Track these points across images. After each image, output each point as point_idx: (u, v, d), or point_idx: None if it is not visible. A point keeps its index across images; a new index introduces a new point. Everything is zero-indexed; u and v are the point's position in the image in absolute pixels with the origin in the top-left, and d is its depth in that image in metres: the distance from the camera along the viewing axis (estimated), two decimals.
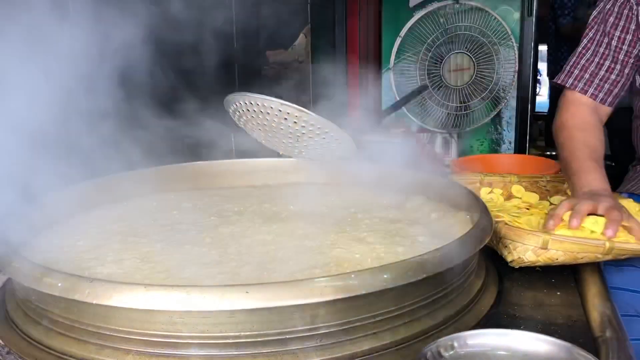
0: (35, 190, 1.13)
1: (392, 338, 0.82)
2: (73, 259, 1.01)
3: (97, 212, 1.25)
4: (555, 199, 1.31)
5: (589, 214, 1.09)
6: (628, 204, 1.23)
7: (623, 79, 1.38)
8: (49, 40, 1.11)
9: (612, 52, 1.37)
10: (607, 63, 1.38)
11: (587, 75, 1.39)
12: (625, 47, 1.36)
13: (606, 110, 1.41)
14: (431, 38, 2.57)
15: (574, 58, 1.43)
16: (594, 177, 1.23)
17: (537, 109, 4.53)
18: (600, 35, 1.39)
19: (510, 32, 2.55)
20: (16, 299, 0.93)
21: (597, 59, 1.39)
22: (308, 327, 0.77)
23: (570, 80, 1.41)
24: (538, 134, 4.99)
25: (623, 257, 1.07)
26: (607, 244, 1.03)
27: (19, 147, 1.05)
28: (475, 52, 2.55)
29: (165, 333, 0.76)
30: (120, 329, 0.77)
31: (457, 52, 2.56)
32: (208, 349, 0.76)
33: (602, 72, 1.38)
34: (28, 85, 1.06)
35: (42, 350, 0.83)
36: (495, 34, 2.54)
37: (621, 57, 1.37)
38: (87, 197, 1.26)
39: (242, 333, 0.75)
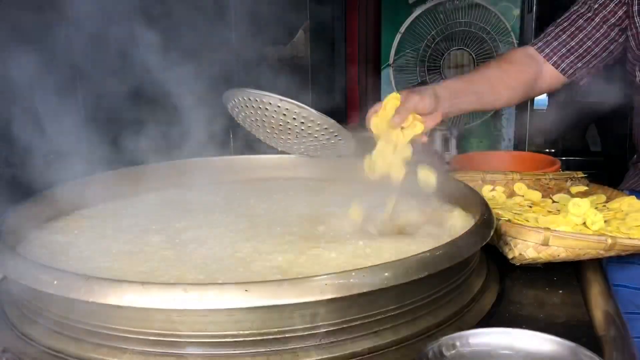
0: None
1: (393, 337, 0.81)
2: (71, 256, 1.00)
3: (96, 210, 1.24)
4: (558, 196, 1.30)
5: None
6: (630, 200, 1.22)
7: (589, 56, 1.40)
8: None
9: (589, 27, 1.39)
10: (580, 35, 1.39)
11: (555, 43, 1.41)
12: (605, 27, 1.37)
13: (560, 78, 1.43)
14: (431, 34, 2.56)
15: (557, 29, 1.43)
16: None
17: (535, 106, 4.53)
18: (586, 10, 1.41)
19: (510, 29, 2.55)
20: (12, 296, 0.92)
21: (572, 29, 1.40)
22: (308, 325, 0.75)
23: (547, 50, 1.42)
24: (537, 131, 4.98)
25: (626, 253, 1.06)
26: (609, 240, 1.02)
27: None
28: (475, 49, 2.54)
29: (162, 332, 0.75)
30: (117, 327, 0.76)
31: (456, 49, 2.55)
32: (206, 347, 0.75)
33: (572, 43, 1.40)
34: None
35: (38, 348, 0.82)
36: (495, 31, 2.53)
37: (597, 35, 1.38)
38: (86, 194, 1.25)
39: (241, 332, 0.74)
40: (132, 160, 1.37)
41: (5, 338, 0.85)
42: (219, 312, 0.73)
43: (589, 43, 1.39)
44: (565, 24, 1.42)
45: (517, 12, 2.65)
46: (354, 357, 0.78)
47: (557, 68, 1.41)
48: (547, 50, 1.42)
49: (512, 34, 2.55)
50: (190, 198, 1.34)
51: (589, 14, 1.39)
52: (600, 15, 1.37)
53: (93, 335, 0.78)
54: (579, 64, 1.41)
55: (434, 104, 1.19)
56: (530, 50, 1.44)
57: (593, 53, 1.39)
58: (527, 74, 1.41)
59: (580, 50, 1.40)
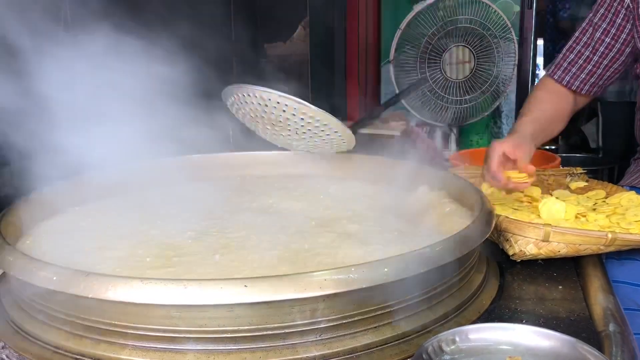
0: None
1: (392, 332, 0.81)
2: (70, 252, 0.99)
3: (94, 206, 1.24)
4: (558, 192, 1.30)
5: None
6: (630, 196, 1.22)
7: (600, 70, 1.41)
8: None
9: (593, 43, 1.40)
10: (586, 53, 1.41)
11: (565, 64, 1.44)
12: (607, 40, 1.38)
13: (582, 98, 1.47)
14: (431, 31, 2.55)
15: (565, 51, 1.47)
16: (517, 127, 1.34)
17: None
18: (587, 25, 1.42)
19: (510, 25, 2.54)
20: (12, 293, 0.92)
21: (578, 47, 1.43)
22: (307, 321, 0.75)
23: (559, 73, 1.46)
24: None
25: (625, 248, 1.06)
26: (609, 235, 1.02)
27: None
28: (475, 45, 2.53)
29: (162, 327, 0.75)
30: (116, 323, 0.76)
31: (457, 45, 2.55)
32: (206, 343, 0.75)
33: (580, 61, 1.42)
34: None
35: (37, 344, 0.82)
36: (495, 27, 2.52)
37: (601, 48, 1.39)
38: (84, 191, 1.25)
39: (241, 327, 0.74)
40: (131, 157, 1.37)
41: (4, 333, 0.85)
42: (218, 307, 0.73)
43: (596, 58, 1.40)
44: (571, 43, 1.44)
45: (517, 8, 2.65)
46: (354, 353, 0.78)
47: (569, 88, 1.44)
48: (558, 73, 1.45)
49: (512, 30, 2.54)
50: (190, 195, 1.34)
51: (591, 30, 1.40)
52: (601, 28, 1.38)
53: (92, 331, 0.78)
54: (592, 80, 1.43)
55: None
56: (546, 77, 1.48)
57: (600, 65, 1.40)
58: (569, 104, 1.46)
59: (589, 67, 1.41)
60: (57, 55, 1.21)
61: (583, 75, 1.42)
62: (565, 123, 1.48)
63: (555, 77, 1.45)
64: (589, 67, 1.41)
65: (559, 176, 1.43)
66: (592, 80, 1.42)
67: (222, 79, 1.50)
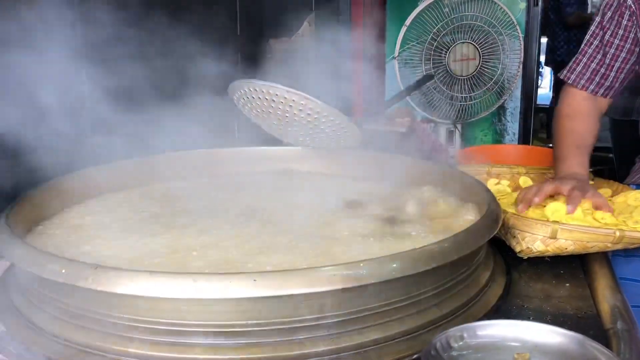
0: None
1: (400, 328, 0.81)
2: (76, 246, 1.00)
3: (100, 201, 1.24)
4: None
5: (553, 196, 1.18)
6: (636, 195, 1.22)
7: (623, 75, 1.42)
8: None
9: (604, 46, 1.41)
10: (607, 61, 1.41)
11: (588, 74, 1.44)
12: (616, 41, 1.39)
13: (606, 101, 1.46)
14: (437, 27, 2.54)
15: (578, 54, 1.46)
16: (572, 163, 1.32)
17: (538, 102, 4.52)
18: (598, 28, 1.43)
19: (515, 22, 2.53)
20: (19, 285, 0.92)
21: (599, 56, 1.42)
22: (316, 316, 0.75)
23: (572, 77, 1.45)
24: (540, 126, 5.00)
25: (633, 246, 1.06)
26: (617, 233, 1.02)
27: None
28: (481, 42, 2.53)
29: (170, 321, 0.75)
30: (124, 316, 0.76)
31: (462, 42, 2.54)
32: (214, 337, 0.75)
33: (602, 70, 1.42)
34: None
35: (45, 337, 0.82)
36: (500, 24, 2.52)
37: (612, 50, 1.40)
38: (90, 185, 1.25)
39: (249, 322, 0.74)
40: (136, 152, 1.37)
41: (11, 326, 0.85)
42: (227, 302, 0.73)
43: (617, 65, 1.40)
44: (590, 51, 1.44)
45: (523, 5, 2.64)
46: (361, 348, 0.78)
47: (595, 95, 1.43)
48: (582, 82, 1.43)
49: (517, 27, 2.53)
50: (195, 190, 1.34)
51: (601, 33, 1.41)
52: (615, 44, 1.38)
53: (100, 323, 0.78)
54: (616, 85, 1.43)
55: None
56: (569, 86, 1.46)
57: (624, 69, 1.40)
58: (598, 117, 1.45)
59: (612, 74, 1.41)
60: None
61: (607, 83, 1.42)
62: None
63: (579, 86, 1.44)
64: (612, 74, 1.41)
65: None
66: (616, 86, 1.43)
67: (228, 74, 1.50)
